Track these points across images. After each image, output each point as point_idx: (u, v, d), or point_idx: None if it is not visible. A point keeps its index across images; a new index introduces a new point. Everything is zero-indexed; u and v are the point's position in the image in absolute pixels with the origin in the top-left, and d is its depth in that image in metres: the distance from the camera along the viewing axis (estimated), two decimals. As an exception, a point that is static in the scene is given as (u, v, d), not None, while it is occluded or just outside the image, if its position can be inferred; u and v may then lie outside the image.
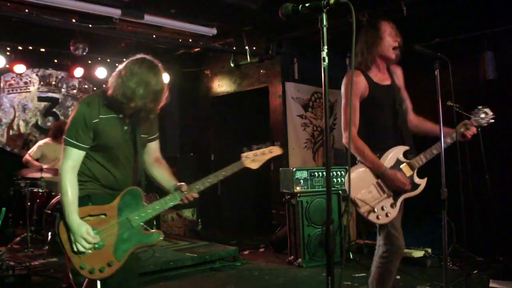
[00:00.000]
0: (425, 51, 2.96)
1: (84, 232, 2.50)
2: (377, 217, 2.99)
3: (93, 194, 2.65)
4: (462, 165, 3.11)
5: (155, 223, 7.43)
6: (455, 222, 5.16)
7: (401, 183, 2.99)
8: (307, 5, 1.71)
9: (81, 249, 2.51)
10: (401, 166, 3.07)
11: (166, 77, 2.32)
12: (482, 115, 3.20)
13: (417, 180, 3.08)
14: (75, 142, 2.58)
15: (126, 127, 2.71)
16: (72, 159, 2.59)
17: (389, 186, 3.02)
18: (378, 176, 3.04)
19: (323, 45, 1.62)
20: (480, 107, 3.23)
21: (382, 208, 2.99)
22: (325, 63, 1.62)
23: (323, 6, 1.64)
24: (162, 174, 2.91)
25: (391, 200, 3.02)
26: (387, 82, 3.18)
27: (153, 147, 2.97)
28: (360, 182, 3.04)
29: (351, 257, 5.80)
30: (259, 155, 2.91)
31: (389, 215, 3.00)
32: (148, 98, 2.56)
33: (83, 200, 2.59)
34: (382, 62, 3.17)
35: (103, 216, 2.61)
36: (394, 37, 3.10)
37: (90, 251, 2.53)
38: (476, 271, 4.97)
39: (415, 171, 3.08)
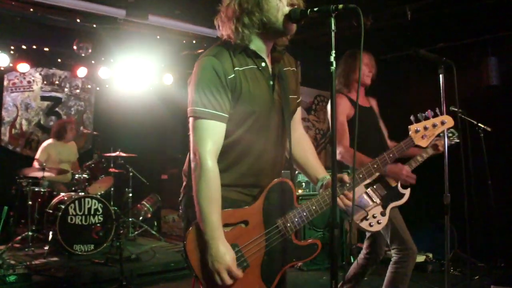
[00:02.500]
0: (430, 55, 2.97)
1: (230, 263, 1.75)
2: (370, 225, 3.12)
3: (228, 194, 1.88)
4: (465, 170, 3.11)
5: (155, 224, 7.45)
6: (456, 227, 5.16)
7: (405, 173, 3.12)
8: (315, 9, 1.71)
9: (220, 283, 1.79)
10: (387, 178, 3.21)
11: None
12: (449, 134, 3.42)
13: (401, 190, 3.24)
14: (212, 111, 1.76)
15: (271, 82, 1.92)
16: (212, 139, 1.78)
17: (395, 179, 3.17)
18: (368, 186, 3.18)
19: (332, 50, 1.62)
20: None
21: (374, 216, 3.13)
22: (332, 67, 1.62)
23: (332, 11, 1.64)
24: (307, 156, 2.14)
25: (380, 209, 3.16)
26: (367, 105, 3.49)
27: (298, 116, 2.16)
28: None
29: (352, 260, 5.79)
30: (430, 129, 2.23)
31: (380, 222, 3.14)
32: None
33: None
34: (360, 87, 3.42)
35: (243, 225, 1.88)
36: (370, 68, 3.44)
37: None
38: (477, 277, 4.97)
39: (399, 182, 3.23)
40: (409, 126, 2.24)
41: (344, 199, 2.02)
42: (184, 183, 1.98)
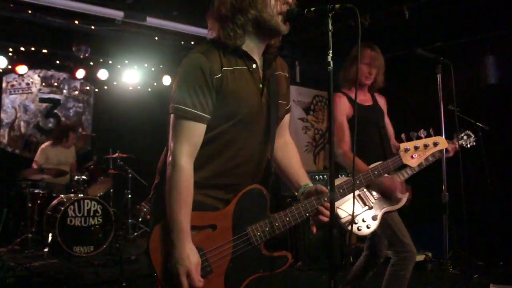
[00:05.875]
0: (428, 55, 2.98)
1: (192, 266, 1.68)
2: (358, 229, 3.05)
3: (200, 199, 1.79)
4: (463, 169, 3.11)
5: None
6: (455, 226, 5.16)
7: (399, 190, 3.06)
8: (312, 9, 1.70)
9: (178, 287, 1.71)
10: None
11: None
12: (465, 137, 3.33)
13: (398, 194, 3.13)
14: (193, 111, 1.70)
15: (261, 85, 1.82)
16: (190, 140, 1.72)
17: (385, 192, 3.07)
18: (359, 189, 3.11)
19: (328, 49, 1.61)
20: (462, 129, 3.36)
21: (363, 220, 3.05)
22: (330, 67, 1.62)
23: (329, 11, 1.64)
24: (291, 162, 2.04)
25: (372, 213, 3.07)
26: (369, 103, 3.36)
27: (286, 122, 2.05)
28: None
29: (352, 260, 5.78)
30: (421, 149, 2.14)
31: (370, 227, 3.06)
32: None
33: None
34: (361, 86, 3.34)
35: (210, 230, 1.79)
36: (369, 69, 3.25)
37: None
38: (476, 276, 4.96)
39: None
40: (400, 144, 2.16)
41: (324, 210, 1.92)
42: (156, 181, 1.90)
